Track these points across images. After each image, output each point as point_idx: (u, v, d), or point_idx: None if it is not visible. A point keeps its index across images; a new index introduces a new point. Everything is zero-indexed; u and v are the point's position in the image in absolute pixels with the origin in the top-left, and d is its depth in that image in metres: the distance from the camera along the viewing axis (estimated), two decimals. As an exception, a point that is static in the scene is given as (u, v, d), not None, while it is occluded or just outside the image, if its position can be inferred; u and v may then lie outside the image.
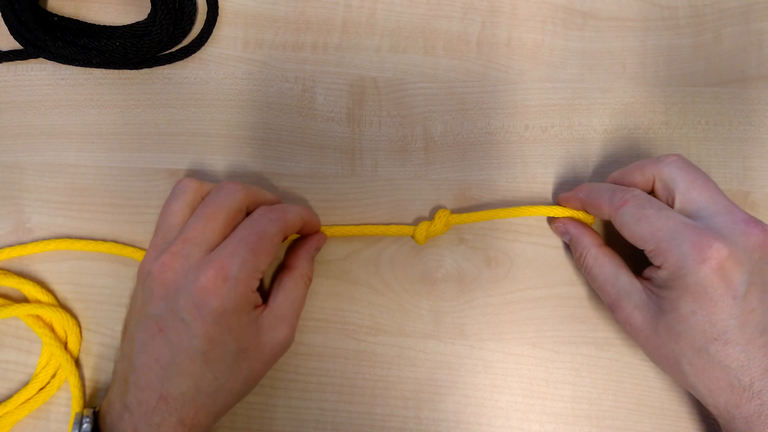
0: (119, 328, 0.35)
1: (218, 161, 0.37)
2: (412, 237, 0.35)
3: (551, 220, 0.36)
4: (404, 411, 0.34)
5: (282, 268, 0.34)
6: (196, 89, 0.38)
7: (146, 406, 0.28)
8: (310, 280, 0.33)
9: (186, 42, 0.38)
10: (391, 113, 0.37)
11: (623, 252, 0.33)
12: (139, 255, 0.35)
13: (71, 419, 0.33)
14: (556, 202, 0.36)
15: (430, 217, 0.36)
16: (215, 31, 0.38)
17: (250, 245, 0.29)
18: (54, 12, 0.38)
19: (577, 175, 0.37)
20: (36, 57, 0.37)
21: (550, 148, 0.37)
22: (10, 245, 0.36)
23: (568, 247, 0.35)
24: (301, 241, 0.34)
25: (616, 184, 0.33)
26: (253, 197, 0.32)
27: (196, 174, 0.37)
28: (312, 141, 0.37)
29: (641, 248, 0.30)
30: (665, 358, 0.30)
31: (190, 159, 0.37)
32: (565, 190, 0.36)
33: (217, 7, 0.38)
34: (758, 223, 0.29)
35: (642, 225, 0.29)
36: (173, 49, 0.38)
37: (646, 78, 0.38)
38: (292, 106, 0.37)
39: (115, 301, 0.35)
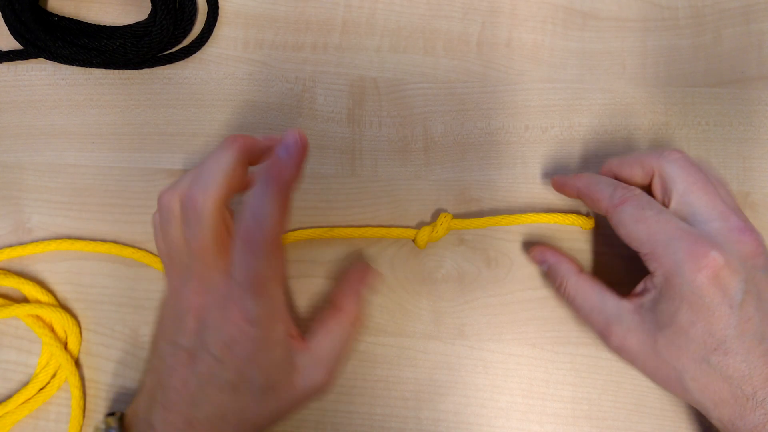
0: (119, 328, 0.35)
1: (218, 161, 0.37)
2: (413, 241, 0.35)
3: (529, 248, 0.35)
4: (404, 411, 0.34)
5: (328, 305, 0.32)
6: (196, 89, 0.38)
7: (172, 427, 0.27)
8: (358, 321, 0.31)
9: (186, 42, 0.38)
10: (391, 113, 0.37)
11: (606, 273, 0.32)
12: (139, 255, 0.35)
13: (71, 421, 0.33)
14: (551, 183, 0.35)
15: (431, 218, 0.36)
16: (215, 31, 0.38)
17: (252, 291, 0.27)
18: (54, 12, 0.38)
19: (577, 176, 0.37)
20: (36, 57, 0.37)
21: (551, 148, 0.37)
22: (10, 245, 0.36)
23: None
24: (348, 276, 0.33)
25: (613, 170, 0.33)
26: (230, 186, 0.28)
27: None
28: (312, 141, 0.37)
29: (636, 250, 0.30)
30: (666, 377, 0.29)
31: (190, 159, 0.37)
32: (565, 191, 0.36)
33: (217, 7, 0.38)
34: (752, 231, 0.28)
35: (640, 226, 0.29)
36: (173, 49, 0.38)
37: (646, 78, 0.38)
38: (292, 106, 0.37)
39: (115, 301, 0.35)
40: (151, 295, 0.35)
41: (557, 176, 0.34)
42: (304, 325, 0.31)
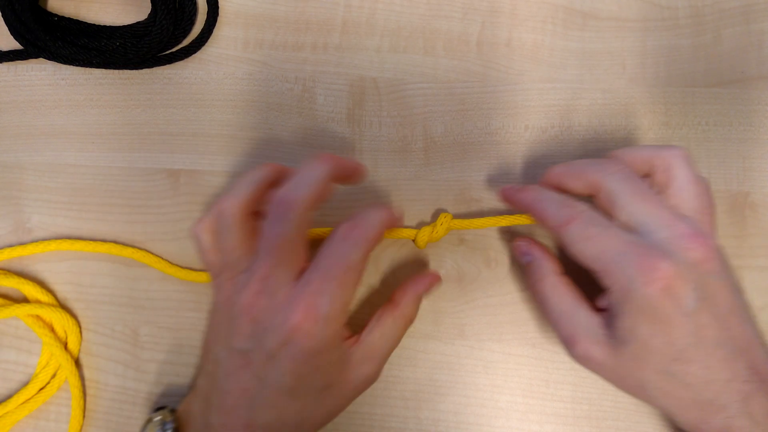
0: (119, 328, 0.35)
1: (218, 161, 0.37)
2: (413, 241, 0.35)
3: (514, 239, 0.34)
4: (404, 411, 0.34)
5: (385, 302, 0.32)
6: (196, 89, 0.38)
7: (231, 430, 0.28)
8: (410, 321, 0.32)
9: (186, 42, 0.38)
10: (391, 113, 0.37)
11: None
12: (139, 255, 0.35)
13: (71, 421, 0.33)
14: (499, 193, 0.34)
15: (431, 218, 0.36)
16: (215, 31, 0.38)
17: (336, 280, 0.27)
18: (54, 12, 0.38)
19: (577, 176, 0.37)
20: (36, 57, 0.37)
21: (551, 148, 0.37)
22: (10, 245, 0.36)
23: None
24: (413, 279, 0.33)
25: (556, 181, 0.32)
26: (320, 196, 0.29)
27: (195, 174, 0.37)
28: (312, 141, 0.37)
29: (589, 268, 0.29)
30: (631, 387, 0.29)
31: (190, 159, 0.37)
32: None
33: (217, 7, 0.38)
34: (700, 236, 0.28)
35: (588, 245, 0.28)
36: (173, 49, 0.38)
37: (646, 78, 0.38)
38: (292, 106, 0.37)
39: (115, 301, 0.35)
40: (151, 295, 0.36)
41: (505, 187, 0.33)
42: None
